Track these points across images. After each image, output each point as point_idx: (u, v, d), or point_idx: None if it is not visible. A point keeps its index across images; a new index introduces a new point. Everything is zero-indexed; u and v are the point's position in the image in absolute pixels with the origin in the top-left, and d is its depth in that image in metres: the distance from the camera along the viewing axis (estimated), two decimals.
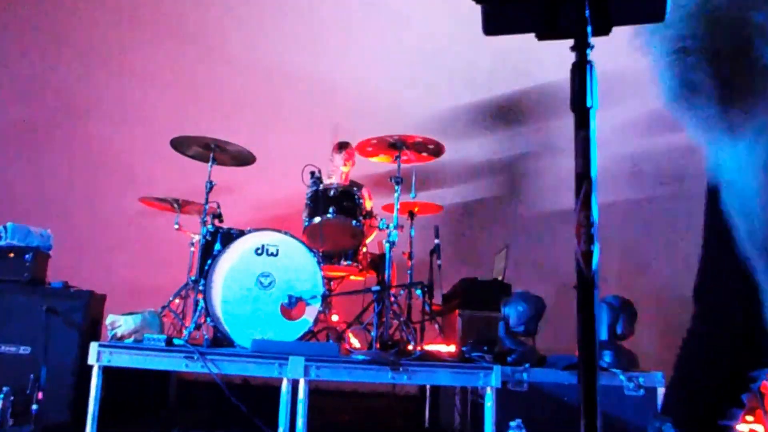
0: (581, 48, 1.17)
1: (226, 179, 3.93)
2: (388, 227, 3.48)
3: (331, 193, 3.51)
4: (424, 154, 3.45)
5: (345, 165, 4.07)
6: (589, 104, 1.15)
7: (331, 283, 3.88)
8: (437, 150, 3.42)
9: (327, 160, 4.06)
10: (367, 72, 4.48)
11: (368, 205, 3.76)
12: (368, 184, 3.97)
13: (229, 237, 3.40)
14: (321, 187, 3.56)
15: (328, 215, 3.35)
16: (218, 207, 3.58)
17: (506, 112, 4.60)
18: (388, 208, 3.91)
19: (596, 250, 1.11)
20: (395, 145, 3.56)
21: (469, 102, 4.58)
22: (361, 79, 4.52)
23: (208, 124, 4.15)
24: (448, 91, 4.55)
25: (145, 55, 4.52)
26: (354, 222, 3.42)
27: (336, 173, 4.12)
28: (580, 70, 1.17)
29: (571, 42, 1.19)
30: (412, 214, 3.99)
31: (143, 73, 4.54)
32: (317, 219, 3.39)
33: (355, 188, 3.61)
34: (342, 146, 4.10)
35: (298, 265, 3.25)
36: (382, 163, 3.84)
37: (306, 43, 4.53)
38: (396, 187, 3.53)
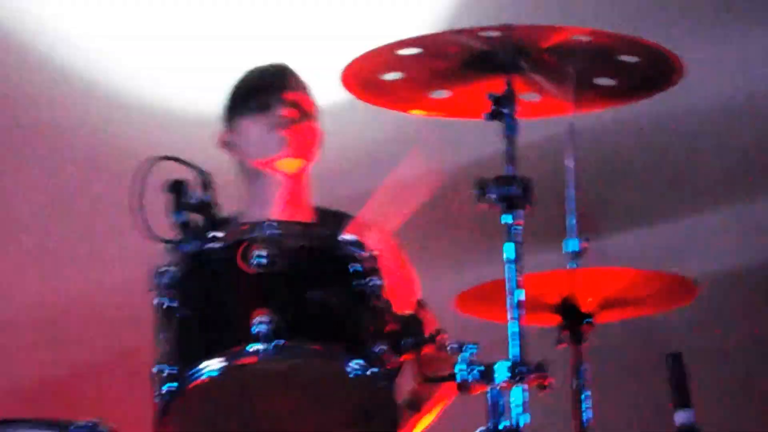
0: None
1: None
2: (487, 380, 2.62)
3: (254, 258, 2.48)
4: (601, 91, 2.68)
5: (294, 151, 3.46)
6: None
7: None
8: (655, 74, 2.69)
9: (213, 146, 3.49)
10: None
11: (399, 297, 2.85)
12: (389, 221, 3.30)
13: None
14: (212, 242, 2.55)
15: (258, 347, 2.45)
16: None
17: None
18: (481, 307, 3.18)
19: None
20: (495, 59, 2.70)
21: None
22: None
23: None
24: None
25: None
26: (352, 365, 2.49)
27: (259, 185, 3.56)
28: None
29: None
30: (572, 317, 3.28)
31: None
32: (207, 369, 2.41)
33: (342, 235, 2.68)
34: (274, 85, 3.54)
35: None
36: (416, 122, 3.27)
37: None
38: (509, 222, 2.58)
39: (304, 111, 3.50)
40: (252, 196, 3.56)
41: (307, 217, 3.56)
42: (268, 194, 3.56)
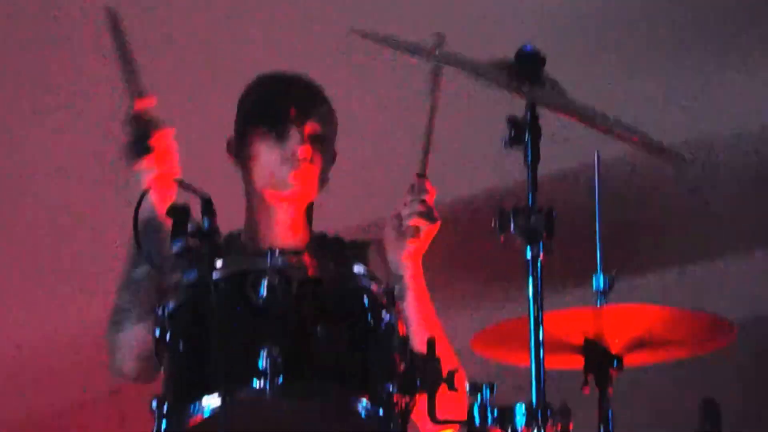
0: None
1: None
2: (504, 423, 2.49)
3: (261, 290, 2.46)
4: None
5: (301, 191, 3.34)
6: None
7: None
8: None
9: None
10: None
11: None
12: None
13: None
14: (214, 271, 2.48)
15: (262, 384, 2.34)
16: None
17: None
18: None
19: None
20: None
21: None
22: None
23: None
24: None
25: None
26: (360, 406, 2.52)
27: (262, 207, 3.40)
28: None
29: None
30: (597, 358, 2.93)
31: None
32: (208, 405, 2.35)
33: (354, 267, 2.65)
34: (294, 109, 3.30)
35: None
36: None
37: None
38: (530, 256, 2.45)
39: (320, 144, 3.42)
40: (253, 215, 3.47)
41: (306, 241, 3.49)
42: (271, 218, 3.43)
